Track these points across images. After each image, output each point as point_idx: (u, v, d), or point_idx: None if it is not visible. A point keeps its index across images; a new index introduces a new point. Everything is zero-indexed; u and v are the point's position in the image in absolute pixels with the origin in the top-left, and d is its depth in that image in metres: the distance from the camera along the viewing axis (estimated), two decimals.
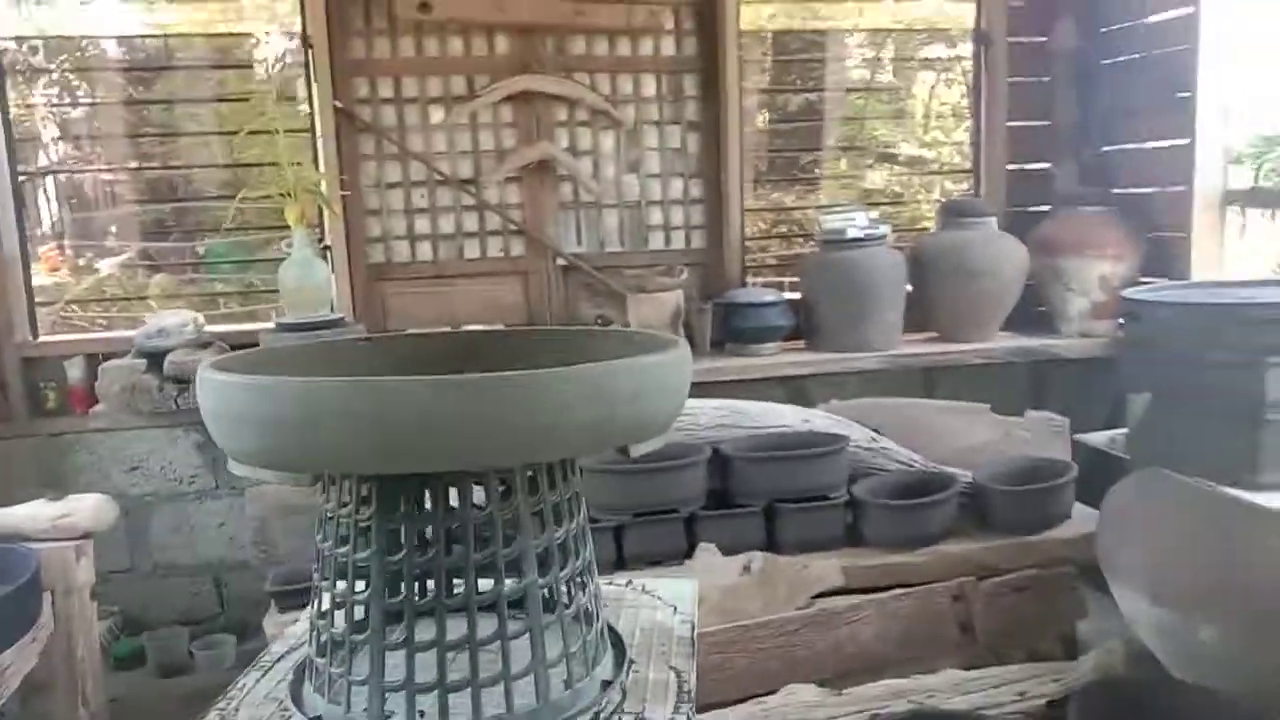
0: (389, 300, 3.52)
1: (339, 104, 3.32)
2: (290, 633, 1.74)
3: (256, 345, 3.15)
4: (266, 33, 3.74)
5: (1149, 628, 2.68)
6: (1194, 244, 3.36)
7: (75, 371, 3.29)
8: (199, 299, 3.82)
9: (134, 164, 3.78)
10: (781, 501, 2.89)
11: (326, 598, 1.40)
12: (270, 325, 3.20)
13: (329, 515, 1.39)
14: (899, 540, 2.86)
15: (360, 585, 1.36)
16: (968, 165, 4.08)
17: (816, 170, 4.32)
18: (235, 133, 3.16)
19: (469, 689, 1.32)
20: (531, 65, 3.45)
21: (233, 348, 3.27)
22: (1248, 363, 2.40)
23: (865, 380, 3.60)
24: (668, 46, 3.63)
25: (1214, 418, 2.51)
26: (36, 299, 3.40)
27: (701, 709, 2.49)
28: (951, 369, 3.66)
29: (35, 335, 3.34)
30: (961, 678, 2.61)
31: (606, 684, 1.46)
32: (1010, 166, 3.94)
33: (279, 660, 1.62)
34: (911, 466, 3.15)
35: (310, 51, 3.28)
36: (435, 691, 1.32)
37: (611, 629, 1.60)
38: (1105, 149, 3.83)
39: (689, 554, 2.79)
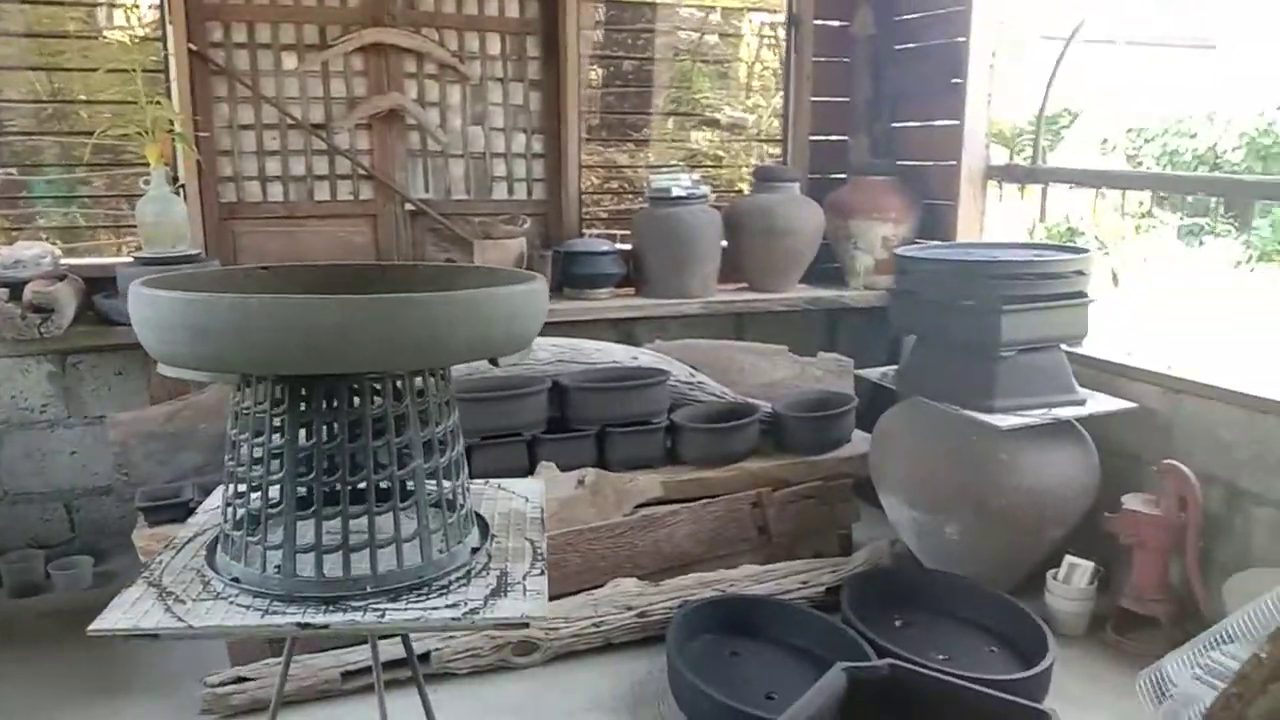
0: (240, 238, 3.66)
1: (193, 46, 3.43)
2: (192, 522, 2.01)
3: (113, 278, 3.28)
4: None
5: (908, 527, 3.26)
6: (960, 211, 3.96)
7: None
8: (16, 234, 3.77)
9: None
10: (611, 426, 3.29)
11: (242, 481, 1.69)
12: (127, 259, 3.30)
13: (245, 411, 1.68)
14: (710, 458, 3.32)
15: (274, 468, 1.67)
16: (779, 135, 4.56)
17: (646, 131, 4.68)
18: (94, 69, 3.23)
19: (367, 550, 1.66)
20: (383, 18, 3.65)
21: (86, 280, 3.37)
22: (988, 310, 2.94)
23: (686, 324, 4.04)
24: (512, 8, 3.88)
25: (961, 355, 3.06)
26: None
27: None
28: (759, 315, 4.15)
29: None
30: (757, 570, 3.11)
31: (475, 550, 1.82)
32: (813, 137, 4.43)
33: (187, 543, 1.89)
34: (723, 398, 3.61)
35: None
36: (339, 551, 1.65)
37: (477, 513, 1.96)
38: (893, 125, 4.37)
39: (531, 471, 3.15)
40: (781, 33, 4.48)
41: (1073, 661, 2.85)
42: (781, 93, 4.54)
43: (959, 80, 3.92)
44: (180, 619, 1.58)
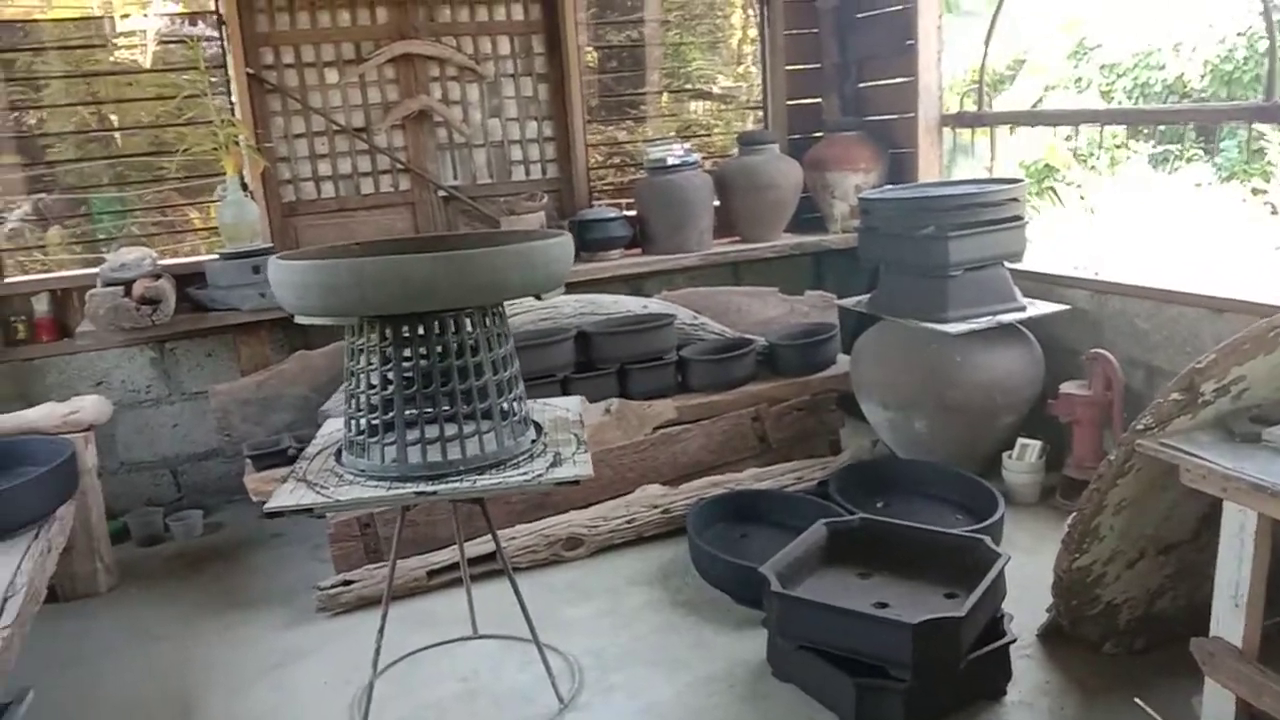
0: (302, 232, 4.27)
1: (250, 70, 4.02)
2: (315, 443, 2.62)
3: (201, 274, 3.90)
4: (144, 14, 4.20)
5: (884, 426, 3.85)
6: (920, 156, 4.51)
7: (41, 306, 3.92)
8: (86, 244, 4.30)
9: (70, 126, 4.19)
10: (629, 364, 3.89)
11: (362, 399, 2.30)
12: (213, 256, 3.90)
13: (360, 347, 2.28)
14: (714, 385, 3.91)
15: (387, 386, 2.27)
16: (761, 102, 5.11)
17: (643, 107, 5.22)
18: (172, 97, 3.84)
19: (458, 440, 2.27)
20: (408, 32, 4.23)
21: (177, 278, 3.97)
22: (937, 237, 3.50)
23: (688, 275, 4.64)
24: (517, 11, 4.45)
25: (918, 277, 3.63)
26: None
27: (581, 507, 3.51)
28: (751, 263, 4.73)
29: (3, 276, 3.94)
30: (760, 471, 3.71)
31: (534, 440, 2.43)
32: (790, 102, 4.99)
33: (314, 457, 2.51)
34: (723, 335, 4.20)
35: (224, 27, 3.96)
36: (438, 442, 2.26)
37: (532, 420, 2.57)
38: (860, 85, 4.92)
39: None
40: (755, 11, 5.02)
41: (1026, 523, 3.44)
42: (760, 63, 5.08)
43: (912, 41, 4.46)
44: (327, 496, 2.19)
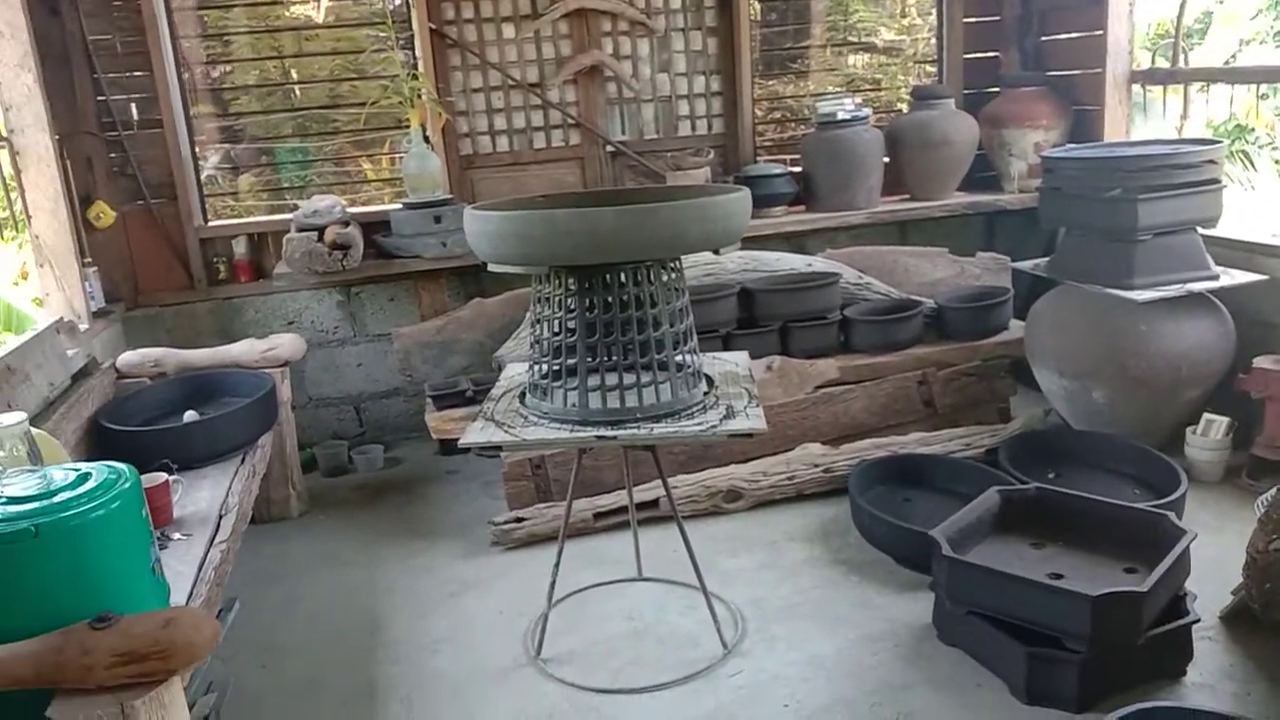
0: (477, 184, 4.42)
1: (433, 26, 4.17)
2: (498, 385, 2.74)
3: (385, 223, 4.09)
4: None
5: (1058, 395, 3.73)
6: (1106, 115, 4.28)
7: (240, 248, 4.21)
8: (271, 191, 4.56)
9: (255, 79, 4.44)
10: (792, 322, 3.88)
11: (546, 345, 2.39)
12: (397, 206, 4.09)
13: (546, 295, 2.37)
14: (879, 346, 3.87)
15: (570, 333, 2.36)
16: (934, 55, 4.96)
17: (805, 61, 5.14)
18: (360, 51, 4.02)
19: (635, 388, 2.34)
20: None
21: (363, 225, 4.18)
22: (1125, 199, 3.35)
23: (853, 234, 4.58)
24: None
25: (1104, 241, 3.48)
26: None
27: (741, 461, 3.55)
28: (920, 222, 4.62)
29: (206, 220, 4.25)
30: (926, 436, 3.65)
31: (707, 392, 2.48)
32: (967, 55, 4.82)
33: (500, 399, 2.62)
34: (889, 296, 4.14)
35: None
36: (617, 389, 2.33)
37: (705, 373, 2.61)
38: (1042, 39, 4.70)
39: None
40: None
41: (1209, 502, 3.29)
42: (934, 14, 4.92)
43: None
44: (515, 435, 2.30)
